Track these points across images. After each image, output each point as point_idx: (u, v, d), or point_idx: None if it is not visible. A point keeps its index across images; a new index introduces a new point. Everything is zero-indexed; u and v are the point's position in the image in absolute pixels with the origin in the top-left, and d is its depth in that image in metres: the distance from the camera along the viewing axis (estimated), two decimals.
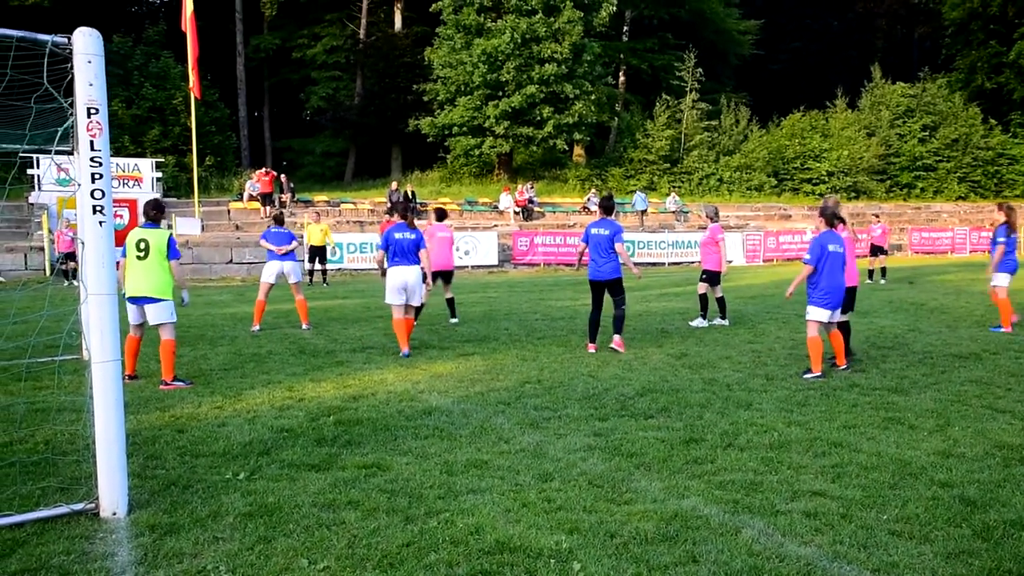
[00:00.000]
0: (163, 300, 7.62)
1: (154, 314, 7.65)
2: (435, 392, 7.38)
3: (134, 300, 7.68)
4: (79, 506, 4.31)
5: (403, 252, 9.22)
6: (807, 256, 7.93)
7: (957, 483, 4.72)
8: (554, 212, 31.77)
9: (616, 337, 9.45)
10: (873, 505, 4.39)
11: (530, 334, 10.97)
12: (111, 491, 4.28)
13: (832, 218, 8.11)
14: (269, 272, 11.46)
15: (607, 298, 9.42)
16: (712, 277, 11.80)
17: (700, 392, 7.27)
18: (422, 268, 9.35)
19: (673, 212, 32.46)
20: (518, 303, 15.39)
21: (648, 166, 37.28)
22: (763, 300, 15.65)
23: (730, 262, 28.96)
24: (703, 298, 11.83)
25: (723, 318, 11.87)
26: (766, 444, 5.58)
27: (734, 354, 9.32)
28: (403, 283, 9.20)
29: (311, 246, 20.06)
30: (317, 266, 20.35)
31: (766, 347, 9.77)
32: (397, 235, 9.23)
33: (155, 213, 7.78)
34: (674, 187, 36.35)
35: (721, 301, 11.95)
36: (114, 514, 4.27)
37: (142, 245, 7.59)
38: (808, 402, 6.84)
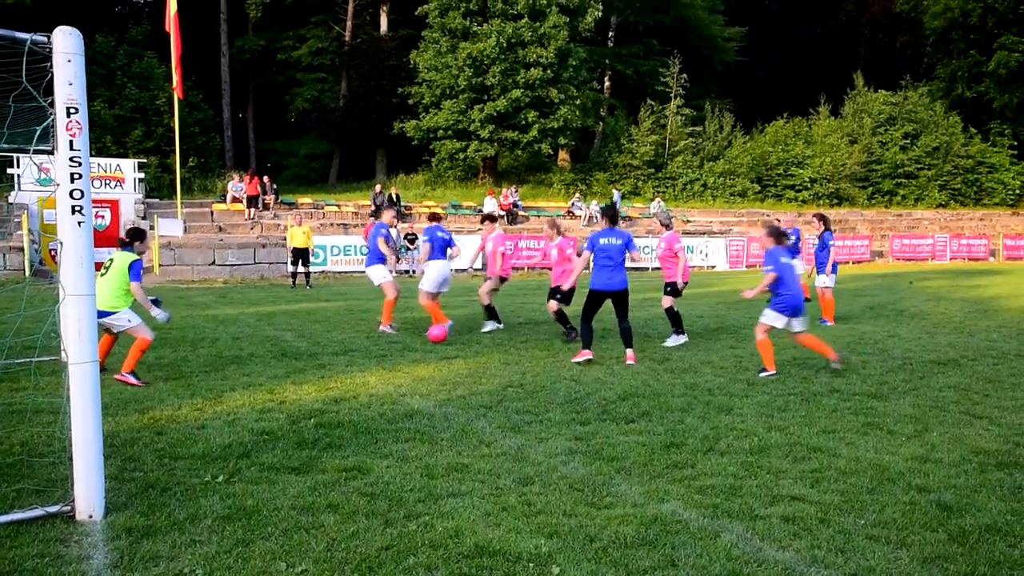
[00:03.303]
0: (115, 312, 7.82)
1: (114, 326, 7.92)
2: (417, 395, 7.36)
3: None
4: (54, 508, 4.26)
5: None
6: (769, 266, 8.27)
7: (934, 488, 4.76)
8: (539, 216, 31.75)
9: (629, 351, 9.10)
10: (851, 510, 4.42)
11: (513, 338, 10.97)
12: (87, 493, 4.24)
13: (778, 235, 8.58)
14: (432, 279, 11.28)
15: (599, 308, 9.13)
16: (675, 289, 10.51)
17: (681, 397, 7.29)
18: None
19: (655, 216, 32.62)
20: (501, 307, 15.35)
21: (632, 171, 37.41)
22: (746, 305, 15.71)
23: (713, 267, 29.27)
24: (672, 312, 10.55)
25: (678, 334, 10.56)
26: (746, 449, 5.61)
27: (716, 359, 9.36)
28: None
29: (293, 248, 20.03)
30: (300, 268, 20.27)
31: (748, 352, 9.81)
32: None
33: (126, 240, 8.21)
34: (658, 192, 36.52)
35: (672, 313, 10.54)
36: (90, 517, 4.23)
37: (107, 263, 7.94)
38: (788, 407, 6.89)
